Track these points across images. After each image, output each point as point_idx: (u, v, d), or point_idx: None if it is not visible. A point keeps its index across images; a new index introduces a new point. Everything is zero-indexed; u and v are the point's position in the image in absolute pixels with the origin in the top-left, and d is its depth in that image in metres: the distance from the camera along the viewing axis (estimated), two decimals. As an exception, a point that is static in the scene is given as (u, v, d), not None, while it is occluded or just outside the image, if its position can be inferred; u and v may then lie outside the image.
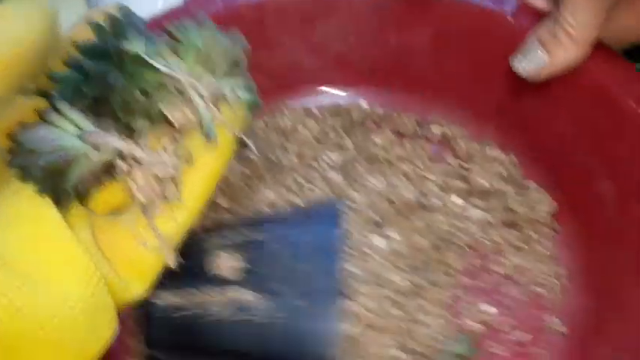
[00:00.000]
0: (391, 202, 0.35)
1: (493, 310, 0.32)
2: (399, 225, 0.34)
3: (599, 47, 0.32)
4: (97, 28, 0.23)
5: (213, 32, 0.24)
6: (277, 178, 0.37)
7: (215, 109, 0.26)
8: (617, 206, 0.32)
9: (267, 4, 0.36)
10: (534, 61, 0.33)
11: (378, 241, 0.34)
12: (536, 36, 0.32)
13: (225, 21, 0.27)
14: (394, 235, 0.34)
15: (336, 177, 0.37)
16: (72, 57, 0.24)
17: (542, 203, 0.35)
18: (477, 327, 0.31)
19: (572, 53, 0.32)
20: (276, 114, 0.40)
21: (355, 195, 0.35)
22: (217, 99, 0.26)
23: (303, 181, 0.36)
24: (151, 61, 0.24)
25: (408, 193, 0.35)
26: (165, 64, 0.24)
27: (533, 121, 0.36)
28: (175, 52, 0.25)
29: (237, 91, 0.26)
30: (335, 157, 0.38)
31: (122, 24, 0.23)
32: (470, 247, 0.34)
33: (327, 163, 0.37)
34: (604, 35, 0.32)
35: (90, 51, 0.24)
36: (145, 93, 0.24)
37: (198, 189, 0.25)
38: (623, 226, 0.31)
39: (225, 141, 0.26)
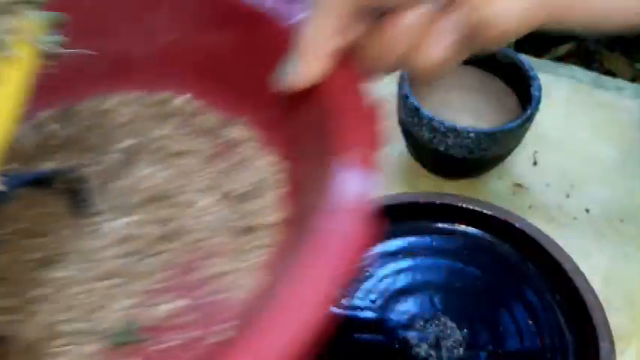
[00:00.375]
0: (145, 190, 0.37)
1: (184, 305, 0.33)
2: (140, 213, 0.36)
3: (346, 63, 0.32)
4: None
5: None
6: (66, 156, 0.40)
7: (9, 19, 0.25)
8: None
9: None
10: (286, 73, 0.33)
11: (112, 225, 0.36)
12: (294, 47, 0.33)
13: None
14: (130, 221, 0.36)
15: (115, 161, 0.39)
16: None
17: (278, 212, 0.35)
18: (160, 318, 0.32)
19: (312, 67, 0.32)
20: (101, 99, 0.43)
21: (119, 179, 0.38)
22: (10, 9, 0.25)
23: (85, 161, 0.39)
24: None
25: (165, 185, 0.37)
26: None
27: (300, 135, 0.37)
28: None
29: None
30: (129, 143, 0.40)
31: None
32: (197, 245, 0.35)
33: (118, 148, 0.40)
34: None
35: None
36: None
37: (4, 105, 0.25)
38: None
39: (26, 52, 0.25)
